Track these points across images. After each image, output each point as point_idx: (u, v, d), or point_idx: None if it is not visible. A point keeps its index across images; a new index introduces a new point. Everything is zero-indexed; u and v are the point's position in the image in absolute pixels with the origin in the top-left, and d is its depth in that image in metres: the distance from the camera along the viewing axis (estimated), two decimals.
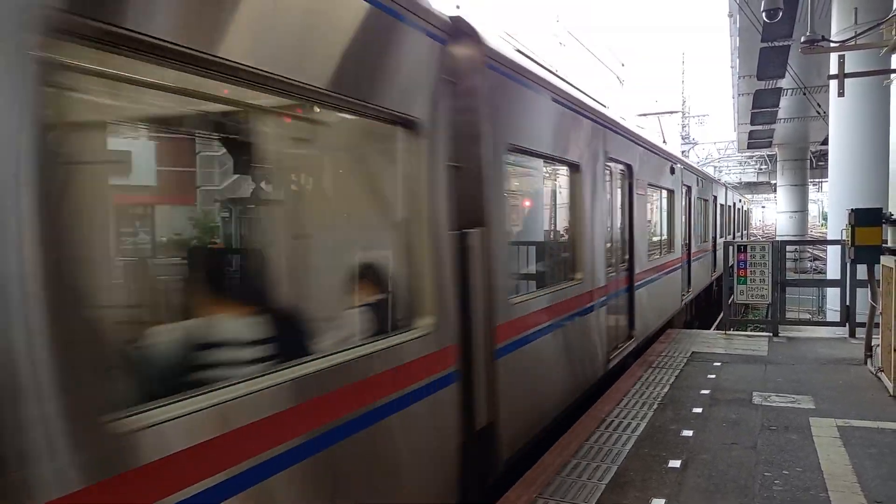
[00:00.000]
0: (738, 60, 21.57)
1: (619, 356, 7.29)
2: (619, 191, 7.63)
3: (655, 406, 6.09)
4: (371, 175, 3.90)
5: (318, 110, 3.40)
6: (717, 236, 17.80)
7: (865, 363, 7.60)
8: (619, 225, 7.58)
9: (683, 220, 12.20)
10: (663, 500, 4.04)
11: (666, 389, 6.69)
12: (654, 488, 4.23)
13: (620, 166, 7.61)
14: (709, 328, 12.95)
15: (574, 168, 5.99)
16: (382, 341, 3.23)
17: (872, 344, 7.45)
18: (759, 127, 33.19)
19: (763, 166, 53.13)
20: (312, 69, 2.72)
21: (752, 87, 24.66)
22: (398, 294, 3.67)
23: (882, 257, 6.88)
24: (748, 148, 42.22)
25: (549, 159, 5.71)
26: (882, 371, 6.78)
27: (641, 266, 8.42)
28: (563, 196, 6.32)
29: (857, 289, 9.02)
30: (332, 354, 2.85)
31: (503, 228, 4.51)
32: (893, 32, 6.58)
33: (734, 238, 22.81)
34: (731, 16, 18.80)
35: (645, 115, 11.96)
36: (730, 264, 10.32)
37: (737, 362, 8.00)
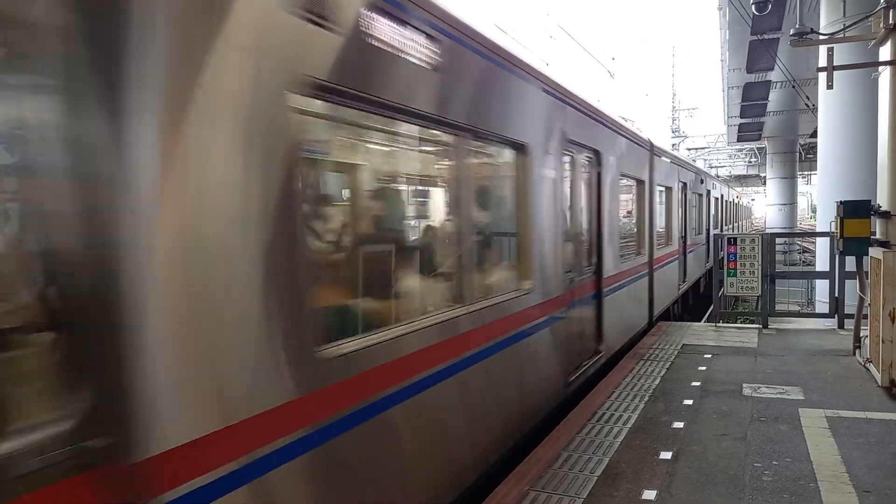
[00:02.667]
0: (727, 53, 21.58)
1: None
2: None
3: (647, 398, 6.12)
4: None
5: None
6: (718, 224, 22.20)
7: (854, 354, 7.66)
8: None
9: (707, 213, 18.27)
10: (655, 492, 4.07)
11: (657, 381, 6.72)
12: (645, 480, 4.25)
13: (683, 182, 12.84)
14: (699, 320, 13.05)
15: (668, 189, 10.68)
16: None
17: (861, 335, 7.52)
18: (749, 120, 33.30)
19: (753, 159, 53.35)
20: None
21: (741, 80, 24.70)
22: None
23: (870, 249, 6.92)
24: (738, 141, 42.30)
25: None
26: (870, 362, 6.84)
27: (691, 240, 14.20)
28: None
29: (846, 280, 9.07)
30: None
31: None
32: (881, 25, 6.60)
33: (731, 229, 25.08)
34: (720, 9, 18.79)
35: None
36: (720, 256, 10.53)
37: (727, 354, 8.05)
